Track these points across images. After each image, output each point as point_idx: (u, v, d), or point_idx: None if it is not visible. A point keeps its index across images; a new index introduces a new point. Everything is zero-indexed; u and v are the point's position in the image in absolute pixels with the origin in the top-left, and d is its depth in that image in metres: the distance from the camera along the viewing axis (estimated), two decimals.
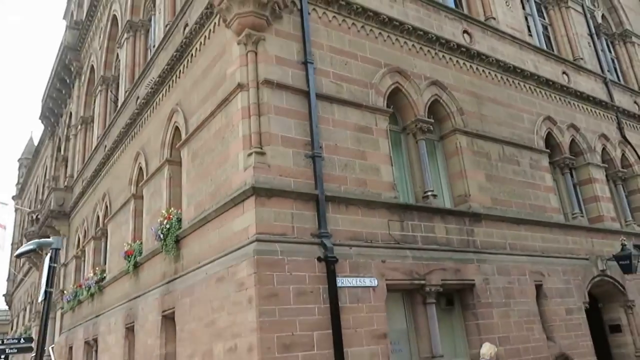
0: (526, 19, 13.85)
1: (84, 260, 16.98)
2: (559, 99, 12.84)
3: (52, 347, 19.81)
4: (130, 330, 11.34)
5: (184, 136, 9.72)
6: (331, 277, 7.14)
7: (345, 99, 8.56)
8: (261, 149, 7.38)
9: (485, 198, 9.91)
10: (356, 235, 7.84)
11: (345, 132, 8.37)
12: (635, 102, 15.67)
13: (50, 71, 24.80)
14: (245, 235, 7.12)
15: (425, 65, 10.08)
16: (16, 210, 38.97)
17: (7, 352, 12.95)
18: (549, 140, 12.13)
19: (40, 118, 28.03)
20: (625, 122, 14.64)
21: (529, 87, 12.16)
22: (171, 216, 9.44)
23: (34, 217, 23.64)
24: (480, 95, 10.89)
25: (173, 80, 10.68)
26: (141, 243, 11.38)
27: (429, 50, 10.27)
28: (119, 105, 14.67)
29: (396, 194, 8.62)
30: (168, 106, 10.76)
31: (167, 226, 9.36)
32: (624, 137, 14.18)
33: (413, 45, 10.04)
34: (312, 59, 8.31)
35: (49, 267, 4.73)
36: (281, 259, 6.87)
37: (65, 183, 20.99)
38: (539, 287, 9.96)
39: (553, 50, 14.12)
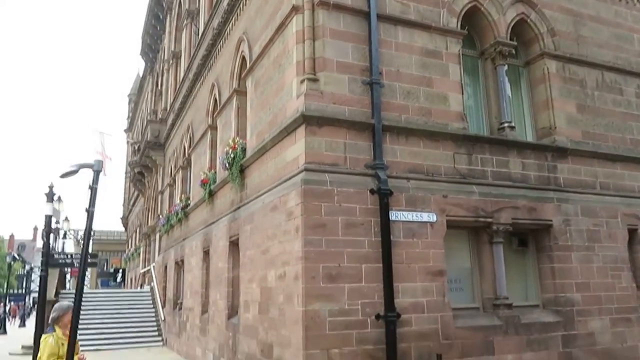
0: None
1: (175, 188, 18.09)
2: None
3: (153, 266, 21.81)
4: (207, 253, 11.99)
5: (248, 65, 9.58)
6: (384, 210, 6.80)
7: (411, 19, 7.82)
8: (314, 75, 7.01)
9: (574, 131, 8.80)
10: (416, 167, 7.36)
11: (409, 56, 7.70)
12: None
13: (147, 7, 25.73)
14: (296, 164, 6.95)
15: None
16: (128, 142, 42.41)
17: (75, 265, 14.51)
18: None
19: (140, 54, 29.54)
20: None
21: None
22: (236, 146, 9.53)
23: (136, 147, 25.48)
24: (578, 13, 9.45)
25: (240, 8, 10.47)
26: (215, 172, 11.75)
27: None
28: (199, 37, 14.85)
29: (465, 124, 7.90)
30: (236, 35, 10.63)
31: (232, 155, 9.49)
32: None
33: None
34: None
35: (91, 188, 4.87)
36: (330, 189, 6.64)
37: (160, 115, 22.17)
38: (632, 232, 8.86)
39: None
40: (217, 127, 12.07)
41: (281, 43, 7.93)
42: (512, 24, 8.74)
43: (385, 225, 6.77)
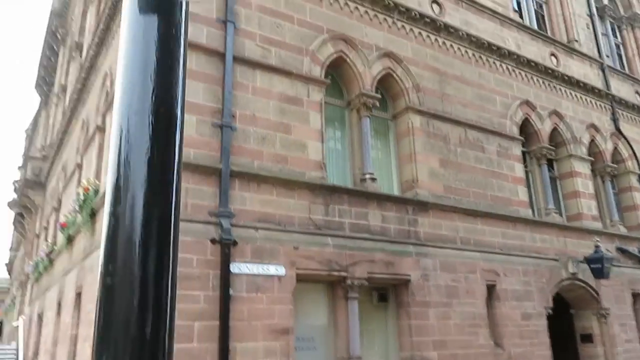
0: None
1: (48, 231, 16.53)
2: (543, 82, 11.63)
3: (23, 318, 19.58)
4: (59, 306, 10.77)
5: (109, 101, 8.96)
6: (225, 261, 6.31)
7: (271, 64, 7.65)
8: None
9: (436, 185, 8.90)
10: (267, 217, 6.97)
11: (267, 101, 7.47)
12: (636, 92, 14.30)
13: (43, 38, 24.38)
14: None
15: (378, 35, 9.05)
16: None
17: None
18: (526, 127, 10.99)
19: (35, 87, 27.75)
20: (622, 113, 13.32)
21: (507, 68, 11.00)
22: (89, 187, 8.72)
23: (16, 186, 23.39)
24: (444, 72, 9.82)
25: (109, 41, 9.90)
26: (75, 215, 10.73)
27: (385, 19, 9.23)
28: (79, 71, 14.00)
29: (324, 174, 7.70)
30: (104, 69, 10.00)
31: (83, 198, 8.66)
32: (617, 129, 12.88)
33: (366, 11, 9.01)
34: (235, 18, 7.41)
35: None
36: None
37: (44, 152, 20.57)
38: (491, 288, 8.95)
39: (546, 31, 12.87)
40: (83, 166, 11.16)
41: None
42: (379, 77, 8.85)
43: (225, 278, 6.25)
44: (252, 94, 7.35)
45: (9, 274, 41.96)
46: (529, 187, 10.65)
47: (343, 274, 7.33)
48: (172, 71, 1.08)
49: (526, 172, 10.76)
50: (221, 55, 7.16)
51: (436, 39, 9.89)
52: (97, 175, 9.26)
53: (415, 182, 8.68)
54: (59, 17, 21.40)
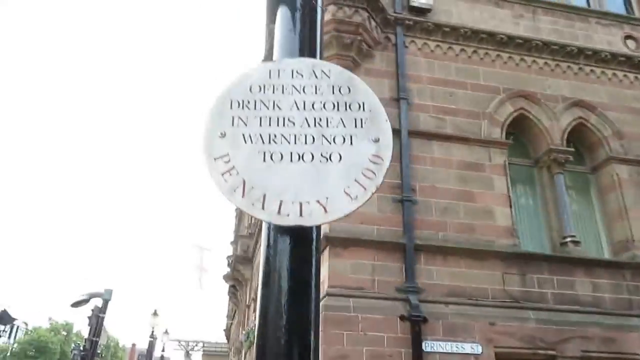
0: None
1: (256, 303, 18.18)
2: None
3: None
4: None
5: None
6: (416, 339, 6.15)
7: (447, 133, 7.60)
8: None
9: None
10: (457, 290, 6.67)
11: (447, 170, 7.37)
12: None
13: None
14: (323, 289, 6.65)
15: (563, 85, 8.40)
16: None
17: None
18: None
19: None
20: None
21: None
22: None
23: (229, 261, 26.48)
24: None
25: None
26: None
27: (568, 66, 8.55)
28: None
29: (516, 241, 7.15)
30: None
31: None
32: None
33: (546, 62, 8.49)
34: (407, 94, 7.64)
35: (97, 317, 5.01)
36: (354, 316, 6.19)
37: (250, 230, 23.12)
38: None
39: None
40: None
41: None
42: (569, 129, 8.11)
43: (418, 357, 6.07)
44: (430, 165, 7.35)
45: (227, 339, 46.89)
46: None
47: (551, 352, 6.53)
48: None
49: None
50: (396, 132, 7.35)
51: (636, 77, 8.76)
52: None
53: (631, 242, 7.49)
54: None
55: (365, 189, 1.23)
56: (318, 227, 1.29)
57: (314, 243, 1.25)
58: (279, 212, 1.15)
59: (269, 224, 1.22)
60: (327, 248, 6.59)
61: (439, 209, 7.09)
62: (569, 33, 8.85)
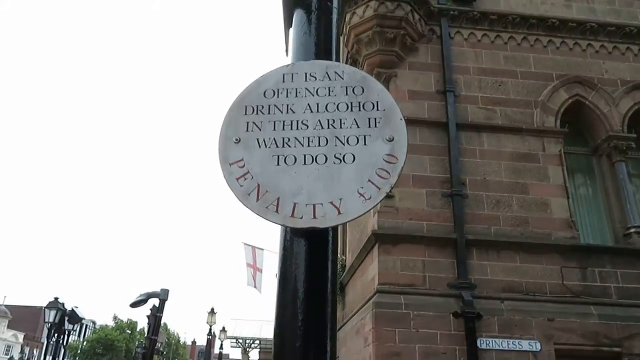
0: None
1: None
2: None
3: None
4: None
5: None
6: (470, 336, 6.02)
7: (498, 124, 7.37)
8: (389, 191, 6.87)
9: None
10: (512, 286, 6.47)
11: (498, 163, 7.16)
12: None
13: None
14: (373, 285, 6.64)
15: (621, 68, 7.94)
16: None
17: None
18: None
19: None
20: None
21: None
22: (338, 262, 9.51)
23: None
24: None
25: None
26: None
27: (627, 48, 8.07)
28: None
29: (575, 233, 6.84)
30: None
31: None
32: None
33: (602, 45, 8.05)
34: (454, 86, 7.48)
35: (155, 316, 5.24)
36: (406, 313, 6.14)
37: None
38: None
39: None
40: None
41: None
42: (630, 114, 7.67)
43: (473, 355, 5.94)
44: (480, 157, 7.16)
45: None
46: None
47: (616, 349, 6.21)
48: None
49: None
50: (444, 125, 7.23)
51: None
52: (342, 251, 10.04)
53: None
54: None
55: (379, 189, 1.23)
56: (334, 229, 1.31)
57: (330, 245, 1.26)
58: (292, 214, 1.17)
59: (285, 227, 1.25)
60: (377, 245, 6.57)
61: (491, 203, 6.90)
62: (627, 12, 8.35)
